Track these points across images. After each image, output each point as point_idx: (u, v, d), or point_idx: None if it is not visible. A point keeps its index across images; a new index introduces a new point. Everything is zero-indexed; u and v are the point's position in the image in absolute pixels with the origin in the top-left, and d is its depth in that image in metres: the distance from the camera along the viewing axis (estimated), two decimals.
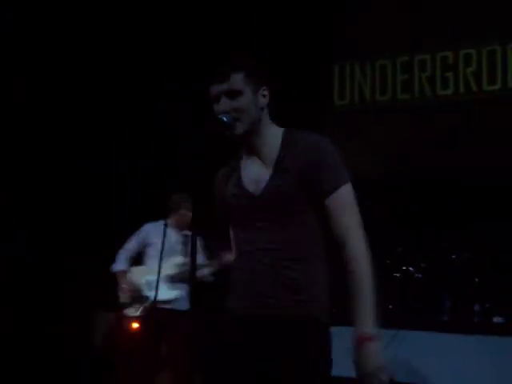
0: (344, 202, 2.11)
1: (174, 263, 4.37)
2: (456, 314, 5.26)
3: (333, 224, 2.11)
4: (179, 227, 4.53)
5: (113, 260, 5.31)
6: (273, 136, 2.22)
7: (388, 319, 5.31)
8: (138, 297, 4.31)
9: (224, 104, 2.13)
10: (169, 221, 4.51)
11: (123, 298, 4.35)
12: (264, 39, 6.53)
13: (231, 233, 2.29)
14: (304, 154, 2.12)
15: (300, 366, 2.06)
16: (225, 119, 2.12)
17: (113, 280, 5.88)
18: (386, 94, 6.84)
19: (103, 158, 6.26)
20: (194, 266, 2.15)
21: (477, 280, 5.58)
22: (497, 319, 5.04)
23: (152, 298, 4.27)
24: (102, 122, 6.31)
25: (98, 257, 6.11)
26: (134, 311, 4.32)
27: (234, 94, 2.13)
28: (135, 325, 5.48)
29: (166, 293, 4.30)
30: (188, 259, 4.27)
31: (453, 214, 5.98)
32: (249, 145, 2.22)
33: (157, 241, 4.37)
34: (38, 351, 5.70)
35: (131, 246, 4.51)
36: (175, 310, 4.33)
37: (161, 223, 4.52)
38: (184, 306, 4.29)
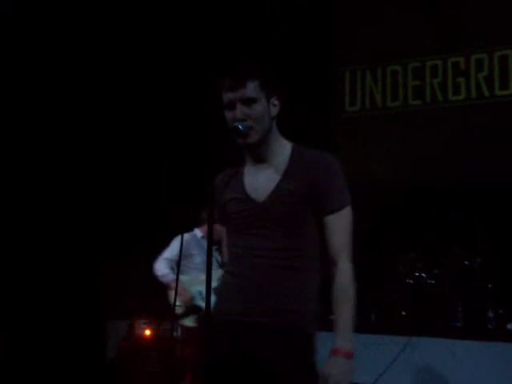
0: (344, 223, 2.17)
1: (216, 276, 4.36)
2: (469, 321, 5.22)
3: (329, 240, 2.17)
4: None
5: (123, 269, 5.35)
6: (282, 147, 2.25)
7: (401, 326, 5.29)
8: (192, 306, 4.28)
9: (240, 111, 2.15)
10: (201, 232, 4.56)
11: (180, 307, 4.29)
12: (275, 45, 6.55)
13: (226, 236, 2.34)
14: (313, 169, 2.17)
15: (284, 374, 2.08)
16: (240, 127, 2.14)
17: (124, 288, 5.93)
18: (398, 100, 6.82)
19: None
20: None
21: (490, 286, 5.54)
22: (510, 326, 4.99)
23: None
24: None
25: (113, 266, 6.17)
26: (190, 322, 4.28)
27: (249, 102, 2.16)
28: (147, 332, 5.52)
29: None
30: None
31: (465, 219, 5.94)
32: (257, 154, 2.24)
33: (195, 252, 4.41)
34: (49, 359, 5.71)
35: (174, 255, 4.46)
36: None
37: (197, 235, 4.54)
38: None
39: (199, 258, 4.42)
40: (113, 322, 6.15)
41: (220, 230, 4.46)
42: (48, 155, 5.83)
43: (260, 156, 2.24)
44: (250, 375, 2.12)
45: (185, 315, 4.23)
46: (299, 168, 2.19)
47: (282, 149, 2.25)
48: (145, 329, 5.51)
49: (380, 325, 5.41)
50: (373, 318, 5.56)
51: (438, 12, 6.50)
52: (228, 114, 2.19)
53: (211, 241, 2.04)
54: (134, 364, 5.39)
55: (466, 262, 5.74)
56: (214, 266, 4.30)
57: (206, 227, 4.39)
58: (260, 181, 2.21)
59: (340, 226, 2.16)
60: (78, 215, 6.05)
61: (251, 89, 2.16)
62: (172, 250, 4.50)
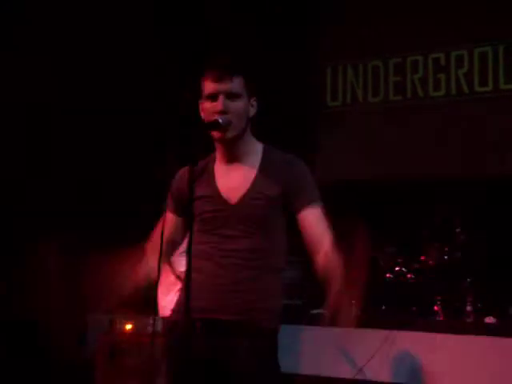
0: (319, 214, 2.21)
1: None
2: (448, 315, 5.27)
3: (308, 232, 2.20)
4: None
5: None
6: (254, 147, 2.26)
7: (380, 320, 5.32)
8: None
9: (223, 104, 2.13)
10: None
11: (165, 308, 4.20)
12: (256, 41, 6.54)
13: (190, 230, 2.17)
14: (285, 169, 2.20)
15: (248, 370, 2.15)
16: (220, 121, 2.11)
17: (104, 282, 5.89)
18: (379, 96, 6.86)
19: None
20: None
21: (469, 280, 5.60)
22: (489, 319, 5.05)
23: None
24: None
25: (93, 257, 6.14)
26: None
27: (233, 97, 2.16)
28: (128, 326, 5.50)
29: None
30: None
31: (444, 214, 6.00)
32: (231, 151, 2.22)
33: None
34: (29, 352, 5.69)
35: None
36: None
37: None
38: None
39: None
40: (93, 316, 6.13)
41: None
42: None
43: (232, 154, 2.22)
44: (214, 372, 2.16)
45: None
46: (271, 168, 2.20)
47: (255, 149, 2.26)
48: (125, 323, 5.49)
49: (361, 319, 5.43)
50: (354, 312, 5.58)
51: (418, 8, 6.53)
52: (206, 105, 2.16)
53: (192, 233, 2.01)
54: (113, 358, 5.37)
55: (445, 257, 5.80)
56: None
57: None
58: (233, 181, 2.20)
59: (319, 215, 2.20)
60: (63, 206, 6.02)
61: (237, 84, 2.16)
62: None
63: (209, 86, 2.16)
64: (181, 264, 4.15)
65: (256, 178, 2.19)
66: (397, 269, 5.79)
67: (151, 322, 5.41)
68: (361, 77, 6.94)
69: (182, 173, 2.28)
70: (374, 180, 6.13)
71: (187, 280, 2.08)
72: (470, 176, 6.17)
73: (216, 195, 2.20)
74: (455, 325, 5.07)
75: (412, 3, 6.62)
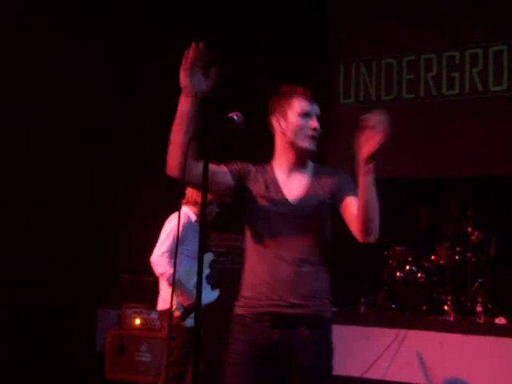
0: None
1: (208, 261, 4.20)
2: (458, 315, 5.25)
3: (352, 215, 2.43)
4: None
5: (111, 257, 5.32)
6: (308, 160, 2.59)
7: (390, 319, 5.31)
8: (191, 306, 3.92)
9: (317, 123, 2.53)
10: (194, 213, 4.19)
11: (179, 309, 4.08)
12: (270, 38, 6.53)
13: (250, 229, 2.51)
14: (332, 176, 2.54)
15: (310, 358, 2.39)
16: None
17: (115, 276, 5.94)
18: (392, 94, 6.83)
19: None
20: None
21: (480, 281, 5.57)
22: (499, 320, 5.02)
23: (204, 303, 3.83)
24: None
25: (102, 254, 6.17)
26: (190, 322, 4.05)
27: (318, 119, 2.55)
28: (137, 321, 5.52)
29: (211, 294, 4.17)
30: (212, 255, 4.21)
31: (455, 213, 5.98)
32: (300, 161, 2.54)
33: (189, 237, 4.03)
34: (41, 345, 5.73)
35: (171, 247, 4.04)
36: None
37: (190, 217, 4.20)
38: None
39: (192, 245, 3.96)
40: (103, 311, 6.16)
41: (214, 211, 4.24)
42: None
43: (297, 164, 2.54)
44: (279, 363, 2.39)
45: (185, 316, 4.03)
46: (321, 176, 2.54)
47: (308, 161, 2.58)
48: (135, 317, 5.51)
49: (370, 317, 5.43)
50: (362, 311, 5.58)
51: (433, 6, 6.50)
52: (298, 121, 2.49)
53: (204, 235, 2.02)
54: (123, 352, 5.39)
55: (456, 257, 5.77)
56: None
57: (198, 209, 4.19)
58: (293, 185, 2.51)
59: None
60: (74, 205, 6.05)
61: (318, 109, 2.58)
62: (168, 240, 4.06)
63: (304, 106, 2.51)
64: (166, 263, 4.05)
65: (311, 184, 2.51)
66: (407, 268, 5.77)
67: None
68: (374, 74, 6.91)
69: (251, 165, 2.57)
70: (385, 178, 6.09)
71: (247, 274, 2.44)
72: (483, 175, 6.13)
73: (281, 197, 2.48)
74: (465, 325, 5.05)
75: (426, 1, 6.59)
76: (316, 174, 2.55)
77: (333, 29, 7.01)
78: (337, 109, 6.98)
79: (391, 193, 6.10)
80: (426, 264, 5.81)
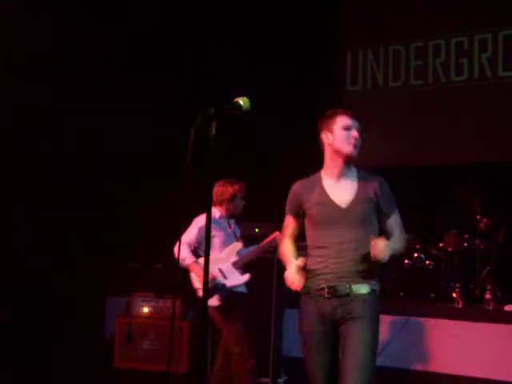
0: (396, 222, 3.09)
1: (235, 250, 4.36)
2: (467, 302, 5.24)
3: (389, 231, 3.04)
4: (229, 216, 4.49)
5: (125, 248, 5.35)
6: (352, 167, 3.08)
7: (399, 306, 5.30)
8: (214, 286, 4.23)
9: (357, 134, 3.02)
10: (219, 212, 4.46)
11: (201, 289, 4.26)
12: (278, 27, 6.49)
13: (309, 230, 3.05)
14: (376, 184, 3.04)
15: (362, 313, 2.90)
16: (356, 144, 3.00)
17: (126, 266, 5.97)
18: (399, 80, 6.79)
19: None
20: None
21: (488, 268, 5.56)
22: (508, 307, 5.01)
23: (228, 285, 4.24)
24: None
25: (111, 242, 6.19)
26: (214, 301, 4.25)
27: (359, 132, 3.05)
28: (146, 309, 5.54)
29: (239, 278, 4.33)
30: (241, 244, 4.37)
31: (464, 201, 5.94)
32: (345, 167, 3.04)
33: (214, 233, 4.32)
34: (52, 332, 5.78)
35: (194, 239, 4.38)
36: (244, 292, 4.36)
37: (215, 214, 4.43)
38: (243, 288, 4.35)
39: (218, 240, 4.34)
40: (112, 299, 6.18)
41: (240, 205, 4.49)
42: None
43: (343, 170, 3.03)
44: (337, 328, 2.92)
45: (208, 295, 4.16)
46: (366, 181, 3.04)
47: (352, 168, 3.08)
48: (143, 306, 5.53)
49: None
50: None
51: None
52: (342, 133, 3.01)
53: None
54: (131, 341, 5.41)
55: (464, 244, 5.75)
56: (234, 239, 4.38)
57: (226, 206, 4.38)
58: (341, 192, 3.01)
59: (395, 224, 3.06)
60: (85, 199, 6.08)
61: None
62: (191, 234, 4.31)
63: (345, 121, 3.03)
64: (183, 251, 4.27)
65: (358, 187, 3.01)
66: (415, 255, 5.76)
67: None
68: (381, 61, 6.86)
69: (294, 188, 3.11)
70: (393, 166, 6.07)
71: (310, 265, 2.93)
72: (491, 162, 6.10)
73: (330, 202, 2.98)
74: (474, 312, 5.04)
75: None
76: (361, 179, 3.04)
77: (340, 16, 6.95)
78: (344, 95, 6.95)
79: (395, 180, 6.12)
80: (435, 251, 5.80)
